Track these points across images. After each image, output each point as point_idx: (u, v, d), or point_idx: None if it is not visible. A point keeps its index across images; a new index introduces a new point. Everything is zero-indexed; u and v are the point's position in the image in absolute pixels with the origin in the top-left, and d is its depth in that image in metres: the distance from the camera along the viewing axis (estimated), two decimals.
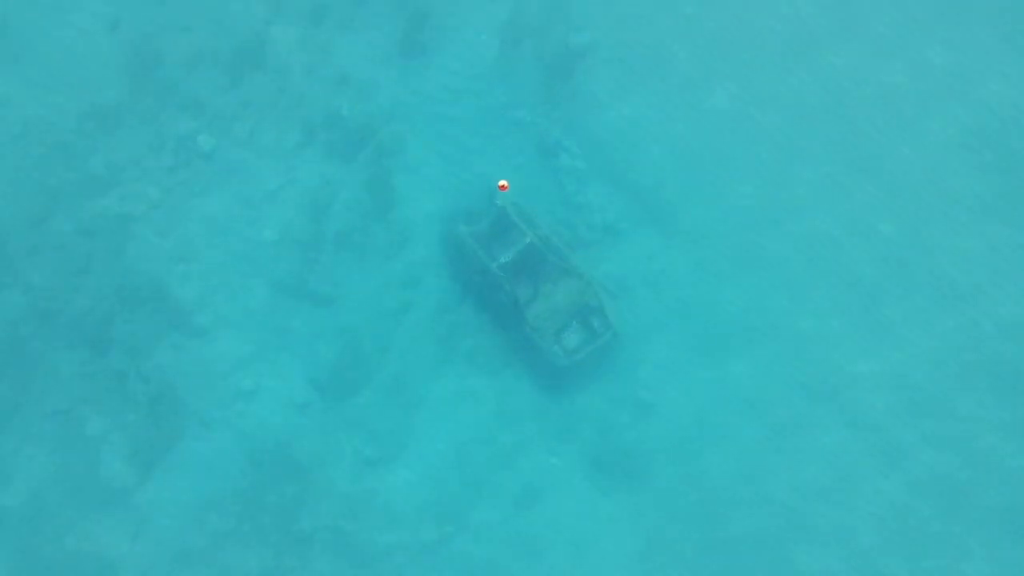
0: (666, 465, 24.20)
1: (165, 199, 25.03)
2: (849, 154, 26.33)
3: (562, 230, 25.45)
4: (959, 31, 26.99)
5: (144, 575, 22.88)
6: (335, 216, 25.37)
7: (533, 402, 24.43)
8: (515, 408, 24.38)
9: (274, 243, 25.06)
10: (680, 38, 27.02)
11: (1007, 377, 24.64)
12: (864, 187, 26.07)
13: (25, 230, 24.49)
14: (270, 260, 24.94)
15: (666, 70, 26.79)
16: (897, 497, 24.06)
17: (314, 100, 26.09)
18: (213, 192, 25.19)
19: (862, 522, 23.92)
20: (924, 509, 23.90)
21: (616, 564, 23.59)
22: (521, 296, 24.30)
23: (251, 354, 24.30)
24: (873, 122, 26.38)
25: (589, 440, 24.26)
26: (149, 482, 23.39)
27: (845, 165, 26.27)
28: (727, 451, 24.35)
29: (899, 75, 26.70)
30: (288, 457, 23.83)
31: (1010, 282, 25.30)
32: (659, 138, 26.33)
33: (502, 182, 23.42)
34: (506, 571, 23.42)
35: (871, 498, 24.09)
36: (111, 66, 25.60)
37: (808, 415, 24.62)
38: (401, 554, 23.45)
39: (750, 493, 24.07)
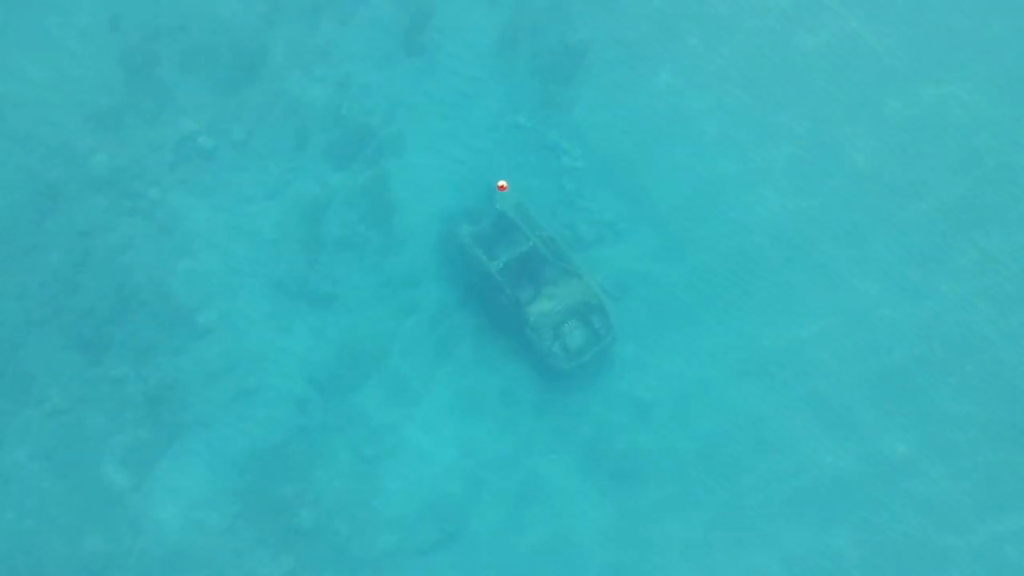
0: (665, 465, 24.23)
1: (165, 199, 25.02)
2: (852, 154, 26.45)
3: (562, 231, 25.46)
4: None
5: (144, 575, 22.86)
6: (335, 216, 25.36)
7: (533, 402, 24.46)
8: (515, 408, 24.41)
9: (274, 243, 25.05)
10: (680, 39, 27.06)
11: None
12: (864, 200, 26.21)
13: (25, 230, 24.46)
14: (270, 260, 24.93)
15: (665, 71, 26.82)
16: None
17: (313, 101, 26.08)
18: (213, 192, 25.18)
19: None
20: None
21: (617, 564, 23.62)
22: (522, 297, 24.31)
23: (251, 354, 24.29)
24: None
25: (588, 440, 24.30)
26: (149, 482, 23.36)
27: (847, 167, 26.38)
28: (727, 451, 24.39)
29: None
30: (287, 457, 23.83)
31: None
32: (658, 139, 26.36)
33: (501, 183, 23.43)
34: (506, 571, 23.43)
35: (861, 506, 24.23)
36: (111, 67, 25.58)
37: (808, 414, 24.74)
38: (400, 554, 23.45)
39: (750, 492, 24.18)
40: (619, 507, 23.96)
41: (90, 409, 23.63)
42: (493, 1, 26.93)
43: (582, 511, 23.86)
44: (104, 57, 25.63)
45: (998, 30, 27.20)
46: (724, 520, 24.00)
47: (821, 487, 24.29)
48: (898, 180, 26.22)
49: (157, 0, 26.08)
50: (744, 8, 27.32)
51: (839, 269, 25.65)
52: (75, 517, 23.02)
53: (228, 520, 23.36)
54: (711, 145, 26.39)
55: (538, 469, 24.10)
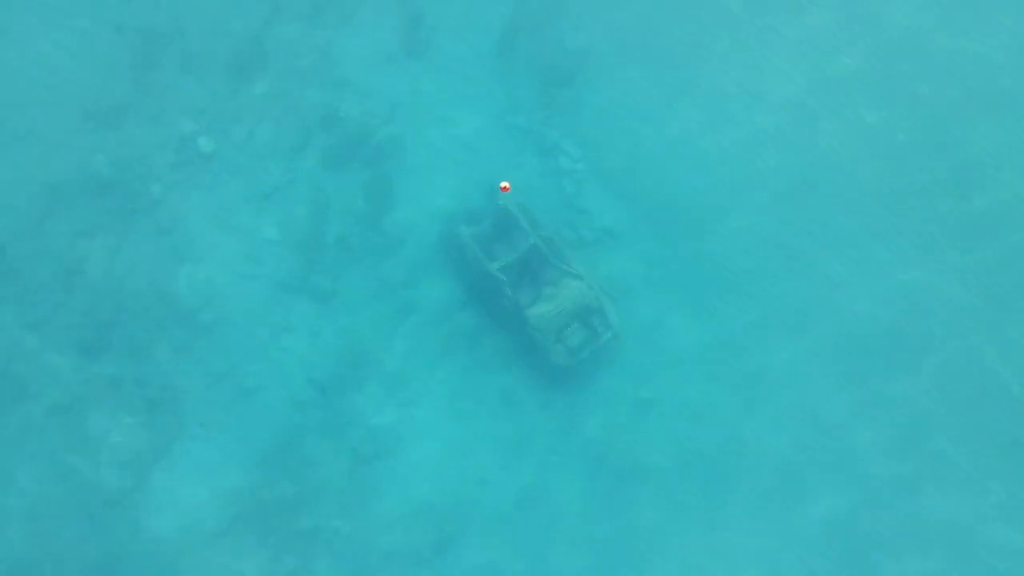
0: (666, 464, 24.20)
1: (165, 199, 25.03)
2: (853, 155, 26.49)
3: (562, 232, 25.48)
4: None
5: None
6: (335, 216, 25.38)
7: (534, 401, 24.44)
8: (516, 407, 24.38)
9: (274, 243, 25.06)
10: (679, 40, 27.13)
11: None
12: (866, 203, 26.24)
13: (26, 229, 24.47)
14: (270, 260, 24.93)
15: (664, 72, 26.88)
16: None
17: (313, 101, 26.12)
18: (214, 192, 25.20)
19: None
20: None
21: (617, 563, 23.58)
22: (522, 297, 24.32)
23: (251, 354, 24.27)
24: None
25: (590, 439, 24.27)
26: (148, 482, 23.33)
27: (847, 167, 26.42)
28: (726, 450, 24.37)
29: None
30: (287, 457, 23.79)
31: None
32: (658, 140, 26.41)
33: (504, 183, 23.47)
34: (507, 571, 23.38)
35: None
36: (112, 67, 25.63)
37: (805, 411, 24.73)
38: (401, 555, 23.41)
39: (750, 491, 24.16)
40: (620, 507, 23.92)
41: (89, 410, 23.60)
42: (493, 2, 27.00)
43: (583, 511, 23.83)
44: (104, 57, 25.67)
45: None
46: (725, 520, 23.96)
47: (822, 486, 24.30)
48: (900, 186, 26.29)
49: (157, 0, 26.15)
50: (744, 10, 27.45)
51: (841, 273, 25.67)
52: (74, 518, 22.96)
53: (227, 521, 23.31)
54: (711, 147, 26.43)
55: (539, 469, 24.07)
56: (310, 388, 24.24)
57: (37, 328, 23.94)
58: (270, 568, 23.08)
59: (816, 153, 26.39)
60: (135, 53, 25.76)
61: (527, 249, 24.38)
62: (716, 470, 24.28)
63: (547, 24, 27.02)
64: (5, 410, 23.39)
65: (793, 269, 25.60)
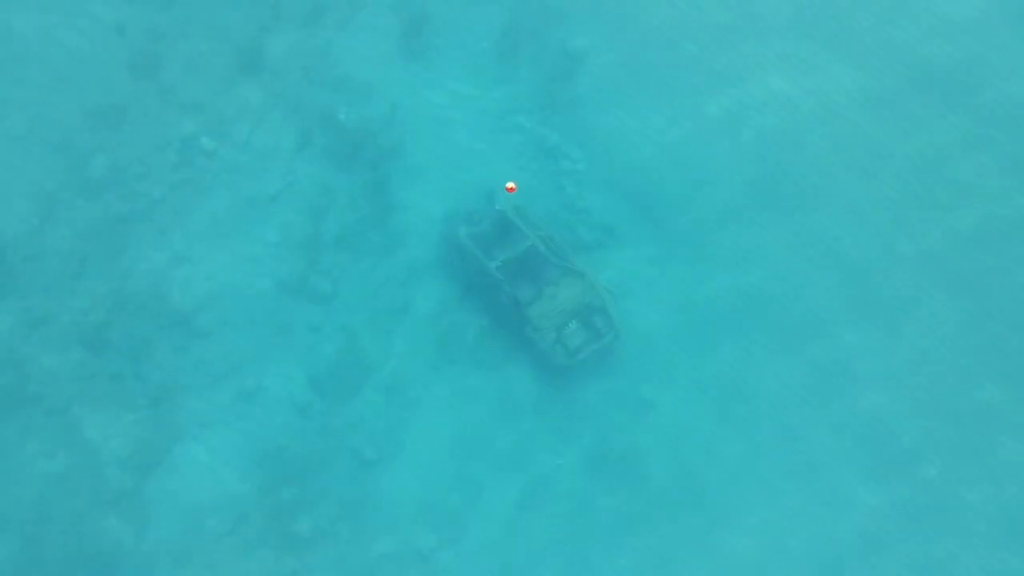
0: (667, 464, 24.20)
1: (166, 199, 25.04)
2: (854, 155, 26.60)
3: (563, 232, 25.51)
4: None
5: None
6: (335, 217, 25.40)
7: (534, 402, 24.42)
8: (516, 408, 24.36)
9: (275, 244, 25.06)
10: (679, 41, 27.22)
11: None
12: (866, 188, 26.32)
13: (26, 229, 24.43)
14: (271, 261, 24.93)
15: (664, 74, 26.97)
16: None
17: (314, 102, 26.16)
18: (214, 193, 25.21)
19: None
20: None
21: (617, 563, 23.56)
22: (522, 297, 24.33)
23: (251, 354, 24.24)
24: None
25: (590, 439, 24.25)
26: (148, 483, 23.25)
27: (848, 167, 26.53)
28: (726, 450, 24.38)
29: None
30: (287, 458, 23.74)
31: None
32: (658, 141, 26.48)
33: (510, 184, 23.48)
34: (507, 571, 23.35)
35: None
36: (112, 67, 25.64)
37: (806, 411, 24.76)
38: (401, 556, 23.34)
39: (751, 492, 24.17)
40: (620, 507, 23.91)
41: (90, 409, 23.54)
42: (493, 3, 27.06)
43: (584, 511, 23.80)
44: (105, 57, 25.69)
45: None
46: (724, 520, 23.97)
47: (822, 486, 24.31)
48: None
49: (158, 1, 26.16)
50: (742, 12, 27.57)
51: (840, 268, 25.73)
52: (75, 519, 22.88)
53: (229, 523, 23.22)
54: (712, 148, 26.49)
55: (539, 469, 24.03)
56: (310, 388, 24.20)
57: (37, 328, 23.89)
58: (270, 569, 23.00)
59: (819, 156, 26.51)
60: (135, 53, 25.80)
61: (526, 248, 24.41)
62: (716, 470, 24.28)
63: (547, 25, 27.12)
64: (5, 410, 23.32)
65: (793, 269, 25.65)
